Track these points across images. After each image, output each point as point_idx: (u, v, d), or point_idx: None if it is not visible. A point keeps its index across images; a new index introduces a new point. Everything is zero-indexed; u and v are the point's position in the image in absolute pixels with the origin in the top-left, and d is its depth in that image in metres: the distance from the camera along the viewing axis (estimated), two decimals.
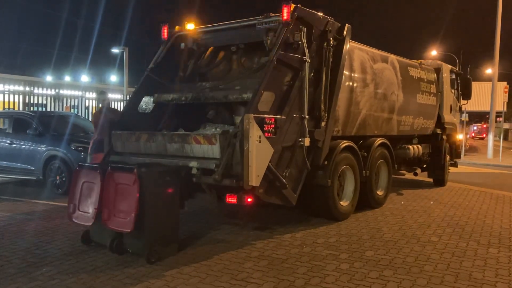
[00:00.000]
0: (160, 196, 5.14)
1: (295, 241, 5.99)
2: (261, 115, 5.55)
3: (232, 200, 5.58)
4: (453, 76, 11.79)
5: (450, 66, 11.71)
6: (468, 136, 41.23)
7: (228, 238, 6.08)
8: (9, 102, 13.63)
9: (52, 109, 15.47)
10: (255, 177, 5.34)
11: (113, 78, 43.60)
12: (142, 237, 5.05)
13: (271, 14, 6.52)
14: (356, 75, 7.61)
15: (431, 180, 11.40)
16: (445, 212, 8.03)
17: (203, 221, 6.99)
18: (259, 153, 5.40)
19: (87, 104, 17.65)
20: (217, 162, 5.49)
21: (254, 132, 5.33)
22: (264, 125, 5.52)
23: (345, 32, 7.04)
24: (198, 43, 7.37)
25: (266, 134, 5.52)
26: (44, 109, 15.57)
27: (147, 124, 7.05)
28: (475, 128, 55.59)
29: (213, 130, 6.53)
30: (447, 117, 11.11)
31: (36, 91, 15.09)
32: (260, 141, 5.40)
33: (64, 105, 16.55)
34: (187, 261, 5.12)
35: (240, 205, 5.62)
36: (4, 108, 13.52)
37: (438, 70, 10.81)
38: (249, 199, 5.51)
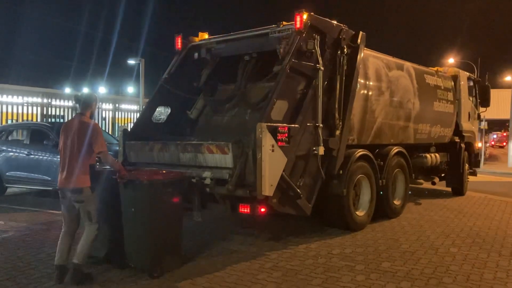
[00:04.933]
0: (162, 207, 4.95)
1: (310, 251, 5.89)
2: (274, 124, 5.51)
3: (245, 210, 5.54)
4: (471, 84, 11.59)
5: (467, 73, 11.52)
6: (488, 144, 40.49)
7: (241, 248, 6.01)
8: (27, 114, 13.84)
9: None
10: (268, 187, 5.29)
11: (130, 89, 44.16)
12: (144, 251, 4.93)
13: (284, 23, 6.51)
14: (371, 83, 7.52)
15: (449, 189, 11.17)
16: (464, 222, 7.83)
17: (216, 231, 6.93)
18: (272, 162, 5.35)
19: (103, 115, 17.83)
20: (230, 171, 5.45)
21: (267, 141, 5.29)
22: (277, 134, 5.47)
23: (359, 40, 6.97)
24: (211, 53, 7.39)
25: (279, 143, 5.47)
26: (62, 120, 15.78)
27: (161, 133, 7.05)
28: (495, 136, 54.60)
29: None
30: (465, 125, 10.91)
31: (54, 102, 15.31)
32: (273, 150, 5.35)
33: None
34: (200, 272, 5.06)
35: (253, 215, 5.57)
36: (23, 119, 13.74)
37: (455, 78, 10.64)
38: (263, 209, 5.45)
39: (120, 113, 18.25)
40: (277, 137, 5.46)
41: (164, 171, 5.33)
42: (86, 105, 4.87)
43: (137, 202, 4.91)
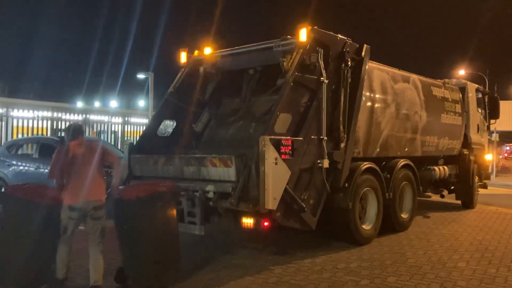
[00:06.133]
0: (152, 222, 4.86)
1: (315, 266, 5.82)
2: (278, 137, 5.50)
3: (249, 224, 5.51)
4: (480, 95, 11.49)
5: (476, 85, 11.43)
6: (501, 156, 39.95)
7: (245, 263, 5.96)
8: (37, 128, 14.00)
9: None
10: (271, 200, 5.26)
11: (141, 103, 44.48)
12: (139, 267, 4.87)
13: (288, 37, 6.54)
14: (376, 95, 7.50)
15: (459, 202, 11.01)
16: (473, 236, 7.69)
17: (220, 245, 6.88)
18: (276, 176, 5.33)
19: (114, 129, 18.02)
20: (233, 185, 5.44)
21: (270, 154, 5.28)
22: (281, 147, 5.46)
23: (363, 53, 6.97)
24: (216, 67, 7.43)
25: (282, 156, 5.45)
26: None
27: (166, 147, 7.07)
28: (507, 148, 53.84)
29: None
30: (474, 137, 10.79)
31: (64, 116, 15.50)
32: (276, 163, 5.34)
33: (92, 130, 16.93)
34: (204, 286, 5.03)
35: (257, 229, 5.53)
36: (33, 133, 13.90)
37: (463, 90, 10.56)
38: (266, 223, 5.42)
39: (129, 126, 18.42)
40: (281, 150, 5.45)
41: (151, 185, 5.24)
42: (81, 132, 5.12)
43: (126, 219, 4.89)
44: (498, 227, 8.56)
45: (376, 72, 7.56)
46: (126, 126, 18.19)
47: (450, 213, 10.11)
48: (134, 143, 7.19)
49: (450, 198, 10.90)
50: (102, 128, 17.48)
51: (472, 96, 10.84)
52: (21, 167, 10.35)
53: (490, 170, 13.49)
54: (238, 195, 5.32)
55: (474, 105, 10.91)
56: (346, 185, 6.60)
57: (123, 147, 7.16)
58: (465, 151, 10.43)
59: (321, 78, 6.22)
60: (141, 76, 22.55)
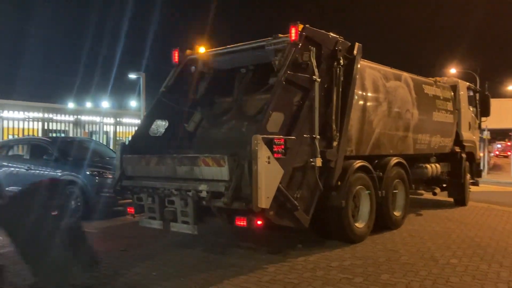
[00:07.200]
0: (29, 220, 4.71)
1: (308, 264, 5.83)
2: (270, 136, 5.49)
3: (242, 223, 5.50)
4: (471, 93, 11.57)
5: (467, 83, 11.51)
6: (492, 154, 40.26)
7: (239, 262, 5.94)
8: (28, 129, 13.90)
9: (72, 135, 15.74)
10: (264, 199, 5.25)
11: (133, 103, 44.32)
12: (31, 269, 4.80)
13: (280, 35, 6.53)
14: (368, 93, 7.51)
15: (451, 199, 11.08)
16: (465, 233, 7.74)
17: (213, 244, 6.86)
18: (269, 174, 5.32)
19: (106, 129, 17.90)
20: (226, 184, 5.43)
21: (263, 153, 5.27)
22: (273, 146, 5.45)
23: (355, 51, 6.97)
24: (208, 66, 7.42)
25: (275, 155, 5.44)
26: (64, 135, 15.85)
27: (159, 147, 7.04)
28: (499, 146, 54.28)
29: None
30: (466, 134, 10.86)
31: (55, 117, 15.39)
32: (269, 162, 5.33)
33: (83, 130, 16.83)
34: (197, 286, 5.00)
35: (250, 228, 5.52)
36: (23, 134, 13.79)
37: (454, 88, 10.62)
38: (259, 222, 5.41)
39: (121, 127, 18.32)
40: (273, 149, 5.43)
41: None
42: None
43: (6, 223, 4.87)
44: (490, 224, 8.62)
45: (368, 70, 7.58)
46: (118, 126, 18.09)
47: (442, 210, 10.17)
48: (126, 143, 7.11)
49: (442, 196, 10.97)
50: (94, 129, 17.37)
51: (463, 94, 10.91)
52: (12, 168, 10.27)
53: (481, 168, 13.58)
54: (231, 194, 5.30)
55: (465, 103, 10.98)
56: (339, 183, 6.61)
57: (115, 148, 7.08)
58: (457, 149, 10.50)
59: (314, 77, 6.21)
60: (132, 76, 22.45)
